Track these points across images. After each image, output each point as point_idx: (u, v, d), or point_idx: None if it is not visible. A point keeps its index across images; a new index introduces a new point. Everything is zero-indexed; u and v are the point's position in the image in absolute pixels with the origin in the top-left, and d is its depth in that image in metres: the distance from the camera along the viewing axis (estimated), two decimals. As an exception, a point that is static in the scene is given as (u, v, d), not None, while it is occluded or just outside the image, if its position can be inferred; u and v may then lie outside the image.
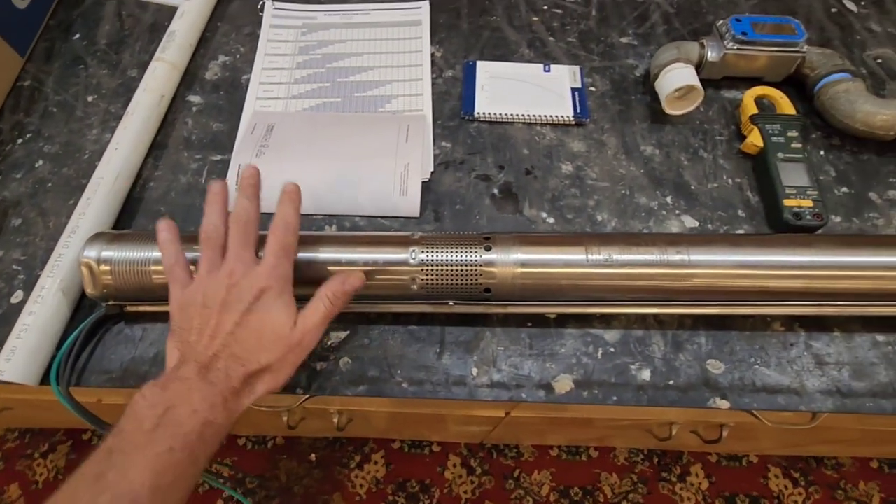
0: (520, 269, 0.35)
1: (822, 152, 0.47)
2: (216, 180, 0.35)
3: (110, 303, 0.37)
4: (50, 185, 0.45)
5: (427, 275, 0.35)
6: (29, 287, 0.40)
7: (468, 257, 0.35)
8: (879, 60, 0.53)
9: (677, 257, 0.35)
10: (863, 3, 0.57)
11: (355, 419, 0.73)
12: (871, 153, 0.47)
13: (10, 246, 0.42)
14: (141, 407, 0.27)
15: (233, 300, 0.30)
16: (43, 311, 0.36)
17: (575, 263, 0.35)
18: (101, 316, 0.38)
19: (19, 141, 0.48)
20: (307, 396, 0.45)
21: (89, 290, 0.36)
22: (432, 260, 0.35)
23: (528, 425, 0.78)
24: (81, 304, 0.40)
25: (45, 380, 0.36)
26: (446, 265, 0.35)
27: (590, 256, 0.35)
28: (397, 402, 0.62)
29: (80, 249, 0.37)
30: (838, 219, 0.44)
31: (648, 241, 0.36)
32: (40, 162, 0.47)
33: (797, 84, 0.50)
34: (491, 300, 0.36)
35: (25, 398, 0.70)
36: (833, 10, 0.57)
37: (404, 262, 0.35)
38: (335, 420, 0.66)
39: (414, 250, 0.35)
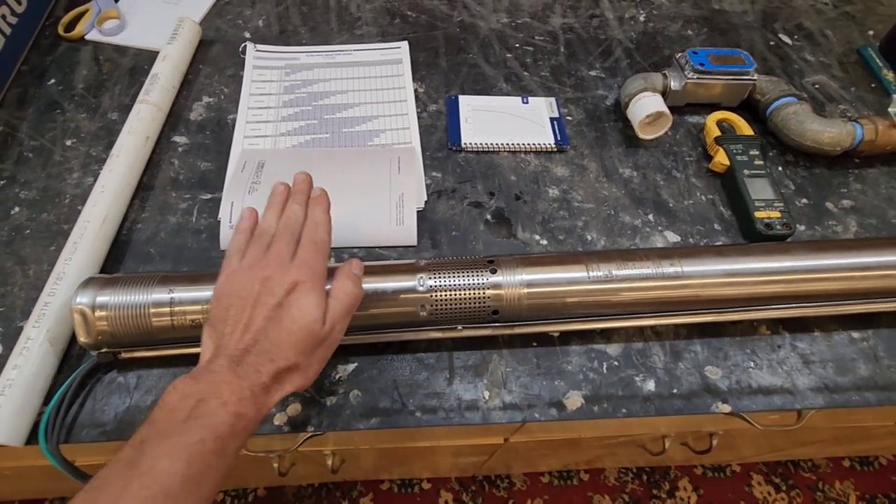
0: (525, 290, 0.36)
1: (780, 168, 0.52)
2: (279, 182, 0.37)
3: (103, 350, 0.35)
4: (28, 231, 0.43)
5: (436, 301, 0.36)
6: (8, 340, 0.38)
7: (475, 281, 0.36)
8: (817, 86, 0.59)
9: (671, 269, 0.37)
10: (796, 37, 0.64)
11: (347, 460, 0.70)
12: (823, 167, 0.52)
13: (-15, 298, 0.40)
14: (173, 398, 0.27)
15: (266, 293, 0.31)
16: (28, 364, 0.34)
17: (577, 281, 0.37)
18: (93, 365, 0.36)
19: (-8, 188, 0.46)
20: (308, 436, 0.43)
21: (82, 339, 0.34)
22: (440, 285, 0.36)
23: (522, 451, 0.77)
24: (68, 354, 0.38)
25: (30, 438, 0.34)
26: (454, 290, 0.36)
27: (591, 273, 0.37)
28: (393, 435, 0.61)
29: (69, 296, 0.36)
30: (803, 227, 0.47)
31: (642, 256, 0.38)
32: (16, 209, 0.45)
33: (750, 108, 0.55)
34: (498, 321, 0.37)
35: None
36: (771, 42, 0.63)
37: (413, 290, 0.36)
38: (329, 462, 0.63)
39: (422, 277, 0.36)
